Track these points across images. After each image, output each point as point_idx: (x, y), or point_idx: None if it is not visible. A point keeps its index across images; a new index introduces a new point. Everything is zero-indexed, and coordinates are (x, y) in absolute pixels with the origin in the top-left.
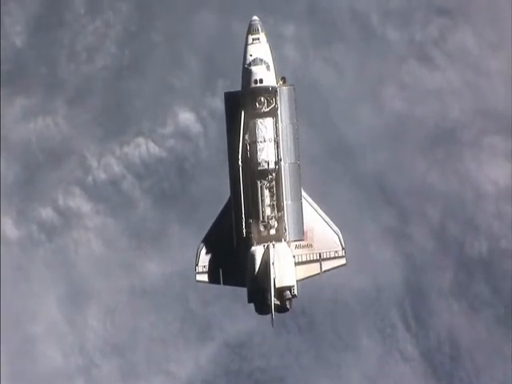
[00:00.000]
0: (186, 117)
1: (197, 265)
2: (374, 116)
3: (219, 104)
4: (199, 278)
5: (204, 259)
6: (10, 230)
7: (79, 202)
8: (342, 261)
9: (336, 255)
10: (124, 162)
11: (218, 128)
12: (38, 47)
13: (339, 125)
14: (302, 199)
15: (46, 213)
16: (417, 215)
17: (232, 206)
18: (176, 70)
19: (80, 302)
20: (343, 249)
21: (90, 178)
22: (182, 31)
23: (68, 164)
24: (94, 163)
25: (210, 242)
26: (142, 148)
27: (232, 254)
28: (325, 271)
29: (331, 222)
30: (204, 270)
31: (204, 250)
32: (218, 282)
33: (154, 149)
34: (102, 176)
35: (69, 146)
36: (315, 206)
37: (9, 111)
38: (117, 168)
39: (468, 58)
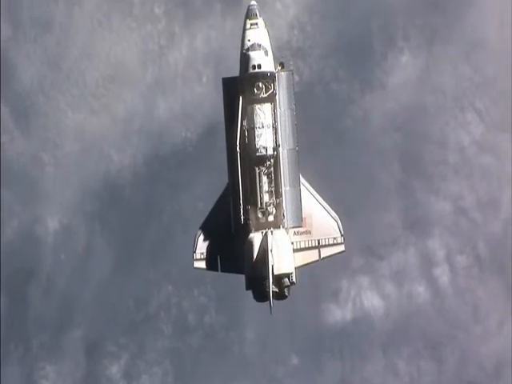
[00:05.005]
0: None
1: (194, 252)
2: None
3: None
4: (197, 264)
5: (202, 246)
6: None
7: None
8: (341, 247)
9: (335, 242)
10: None
11: None
12: None
13: None
14: (301, 185)
15: None
16: None
17: (230, 193)
18: None
19: None
20: (342, 235)
21: None
22: None
23: None
24: None
25: (208, 228)
26: None
27: (230, 241)
28: (323, 258)
29: (330, 209)
30: (202, 257)
31: (202, 237)
32: (215, 269)
33: None
34: None
35: None
36: (314, 192)
37: None
38: None
39: None
